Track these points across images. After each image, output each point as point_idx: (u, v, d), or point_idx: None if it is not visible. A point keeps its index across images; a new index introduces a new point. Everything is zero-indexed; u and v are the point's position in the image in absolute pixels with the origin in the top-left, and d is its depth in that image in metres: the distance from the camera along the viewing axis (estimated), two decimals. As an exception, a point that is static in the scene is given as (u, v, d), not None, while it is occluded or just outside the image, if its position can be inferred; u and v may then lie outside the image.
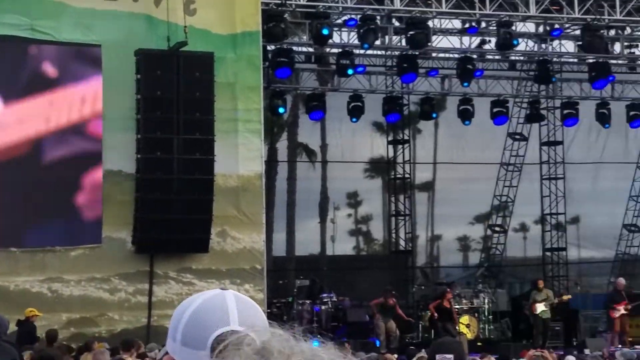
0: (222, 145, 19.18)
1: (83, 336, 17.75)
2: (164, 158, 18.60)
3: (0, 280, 18.36)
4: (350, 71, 23.58)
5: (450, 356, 5.39)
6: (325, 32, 21.85)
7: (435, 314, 22.50)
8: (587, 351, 21.17)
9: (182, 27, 18.54)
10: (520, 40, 25.28)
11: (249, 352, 1.68)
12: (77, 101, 18.74)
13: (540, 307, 23.16)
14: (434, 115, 27.60)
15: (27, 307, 17.06)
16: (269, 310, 20.74)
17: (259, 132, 20.13)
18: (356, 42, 22.70)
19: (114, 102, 18.81)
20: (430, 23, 23.17)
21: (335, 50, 23.60)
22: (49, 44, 18.58)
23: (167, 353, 2.32)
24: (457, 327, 22.75)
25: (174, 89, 18.57)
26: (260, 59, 20.16)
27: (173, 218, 18.64)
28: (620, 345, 22.33)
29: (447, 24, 25.05)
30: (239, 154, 19.83)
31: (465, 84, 25.43)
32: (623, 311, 23.42)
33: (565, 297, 24.68)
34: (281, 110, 24.55)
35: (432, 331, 22.83)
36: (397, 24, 23.60)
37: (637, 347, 22.05)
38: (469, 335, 23.72)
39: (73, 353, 14.52)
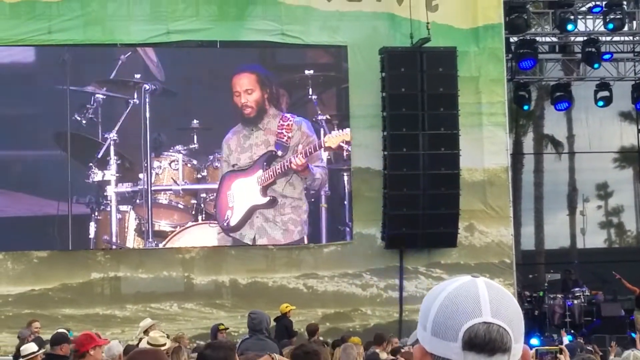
0: (467, 139, 19.19)
1: (338, 331, 18.23)
2: (410, 154, 18.79)
3: (260, 276, 19.13)
4: (596, 65, 22.98)
5: None
6: (571, 28, 21.56)
7: None
8: None
9: (425, 23, 18.72)
10: None
11: None
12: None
13: None
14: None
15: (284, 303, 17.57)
16: (519, 305, 20.55)
17: (504, 125, 20.03)
18: (602, 29, 22.10)
19: (361, 101, 19.24)
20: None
21: (580, 39, 23.07)
22: (298, 47, 19.21)
23: (417, 341, 2.24)
24: None
25: (417, 85, 18.74)
26: (503, 52, 20.05)
27: (421, 213, 18.80)
28: None
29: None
30: (484, 148, 19.80)
31: None
32: None
33: None
34: (525, 107, 24.31)
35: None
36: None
37: None
38: None
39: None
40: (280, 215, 18.91)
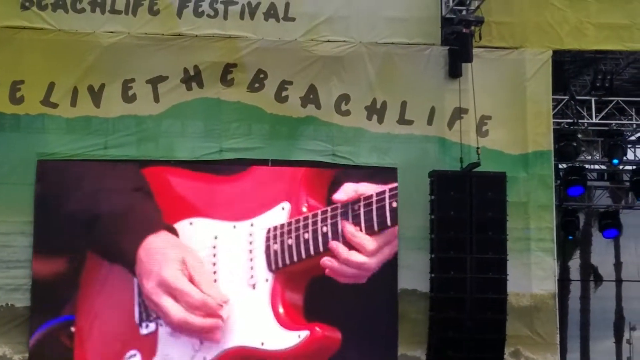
0: (514, 264, 19.17)
1: None
2: (457, 277, 18.78)
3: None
4: (640, 199, 23.07)
5: None
6: (615, 162, 21.73)
7: None
8: None
9: (475, 148, 18.90)
10: None
11: None
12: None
13: None
14: None
15: None
16: None
17: (552, 251, 19.98)
18: (650, 158, 22.26)
19: (409, 222, 19.29)
20: None
21: (629, 167, 23.18)
22: (347, 167, 19.38)
23: None
24: None
25: (467, 209, 18.82)
26: (552, 178, 20.13)
27: (467, 337, 18.70)
28: None
29: None
30: (531, 273, 19.74)
31: None
32: None
33: None
34: (570, 237, 24.28)
35: None
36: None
37: None
38: None
39: None
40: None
